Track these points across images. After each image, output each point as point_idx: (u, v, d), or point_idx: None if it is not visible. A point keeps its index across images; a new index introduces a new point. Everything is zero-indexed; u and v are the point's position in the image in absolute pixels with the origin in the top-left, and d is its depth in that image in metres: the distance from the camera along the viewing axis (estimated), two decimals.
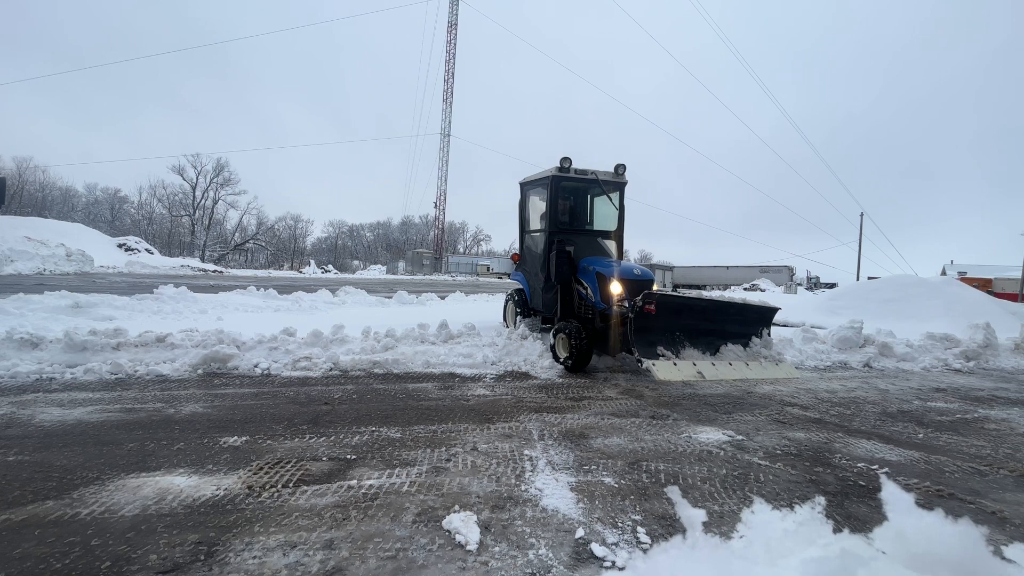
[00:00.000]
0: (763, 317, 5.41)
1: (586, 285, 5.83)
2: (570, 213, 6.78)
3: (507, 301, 8.03)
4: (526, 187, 7.18)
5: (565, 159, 6.26)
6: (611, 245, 6.70)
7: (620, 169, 6.56)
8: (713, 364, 4.77)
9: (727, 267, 54.48)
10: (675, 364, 4.61)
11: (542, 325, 6.84)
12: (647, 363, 4.57)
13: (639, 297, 4.87)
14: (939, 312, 9.98)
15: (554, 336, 5.77)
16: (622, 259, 6.62)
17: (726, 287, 42.21)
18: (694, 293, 5.86)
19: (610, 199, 6.63)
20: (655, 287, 5.42)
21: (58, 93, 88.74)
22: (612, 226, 6.73)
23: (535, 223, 7.04)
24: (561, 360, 5.49)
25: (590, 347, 5.46)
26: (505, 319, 8.10)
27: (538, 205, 6.95)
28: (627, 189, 6.64)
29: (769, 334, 5.40)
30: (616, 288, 5.34)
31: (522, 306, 7.26)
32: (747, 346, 5.15)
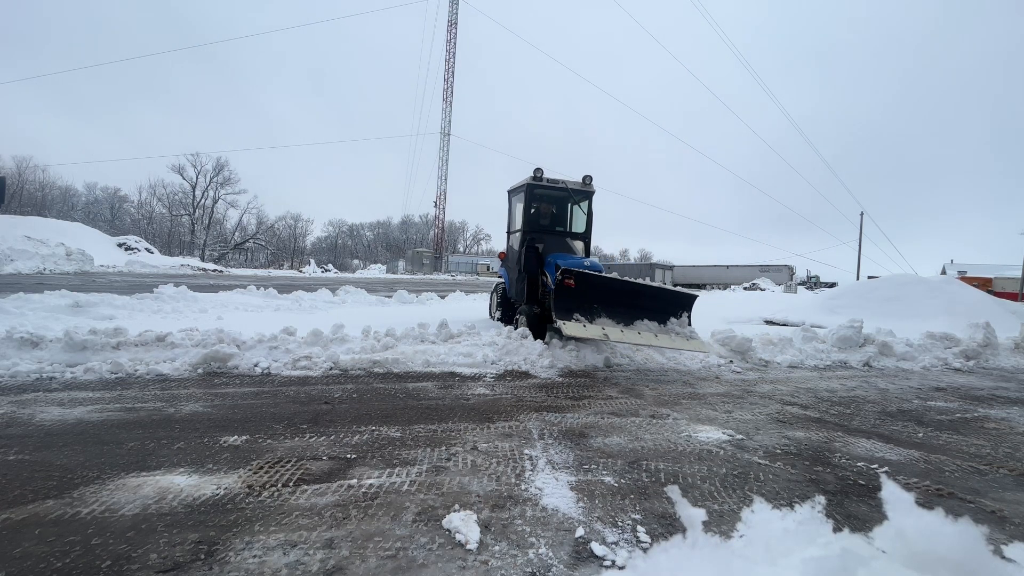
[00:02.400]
0: (681, 302, 6.25)
1: (548, 275, 6.66)
2: (545, 217, 7.74)
3: (491, 294, 9.22)
4: (511, 194, 8.15)
5: (537, 170, 7.22)
6: (579, 245, 7.55)
7: (588, 180, 7.45)
8: (622, 331, 5.57)
9: (727, 266, 54.48)
10: (584, 326, 5.45)
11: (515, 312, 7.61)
12: (560, 323, 5.37)
13: (560, 272, 5.65)
14: (939, 311, 9.97)
15: (517, 316, 6.90)
16: (589, 257, 7.42)
17: (726, 286, 42.23)
18: (628, 276, 6.62)
19: (579, 206, 7.66)
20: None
21: (58, 92, 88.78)
22: (581, 228, 7.70)
23: (516, 225, 7.96)
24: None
25: (542, 323, 6.41)
26: (491, 311, 9.24)
27: (519, 209, 7.82)
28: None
29: (688, 317, 6.20)
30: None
31: (502, 297, 8.37)
32: (663, 323, 5.96)
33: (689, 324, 6.12)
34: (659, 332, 5.76)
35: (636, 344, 5.58)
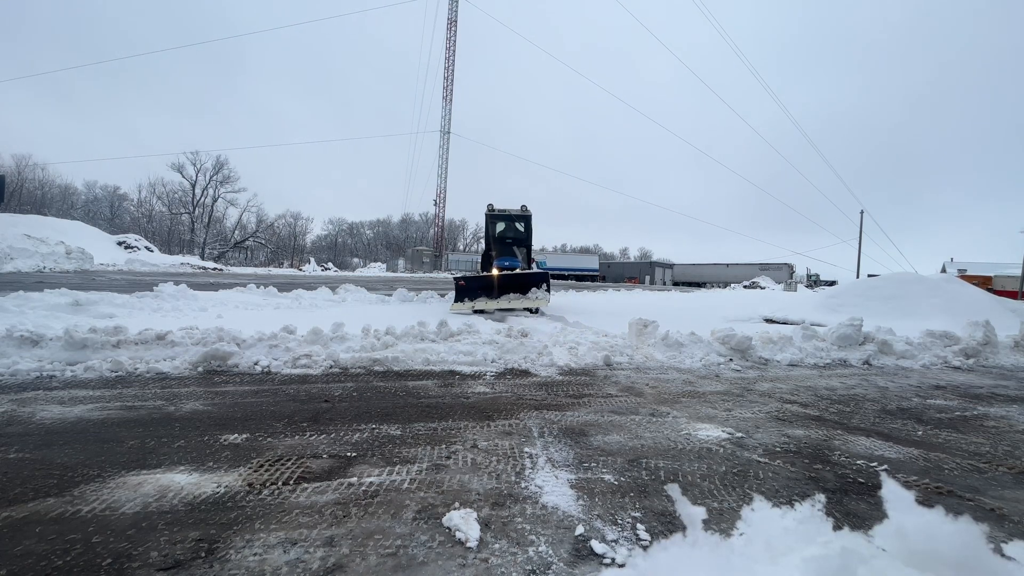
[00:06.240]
0: (536, 279, 9.78)
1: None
2: (501, 234, 11.69)
3: None
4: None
5: (489, 205, 11.56)
6: (524, 252, 11.26)
7: (524, 208, 11.63)
8: (486, 303, 9.41)
9: (727, 265, 54.51)
10: (463, 304, 9.53)
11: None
12: (452, 305, 9.64)
13: (454, 277, 10.42)
14: (939, 310, 9.97)
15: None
16: (531, 263, 11.52)
17: (726, 284, 42.28)
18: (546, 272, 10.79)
19: (521, 225, 11.74)
20: (519, 270, 10.29)
21: (57, 90, 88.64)
22: (524, 241, 11.59)
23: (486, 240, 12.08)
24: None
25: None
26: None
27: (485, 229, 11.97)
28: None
29: (546, 286, 9.69)
30: (496, 272, 10.01)
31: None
32: (525, 293, 9.57)
33: (548, 292, 9.66)
34: (516, 299, 9.41)
35: (497, 308, 9.25)
